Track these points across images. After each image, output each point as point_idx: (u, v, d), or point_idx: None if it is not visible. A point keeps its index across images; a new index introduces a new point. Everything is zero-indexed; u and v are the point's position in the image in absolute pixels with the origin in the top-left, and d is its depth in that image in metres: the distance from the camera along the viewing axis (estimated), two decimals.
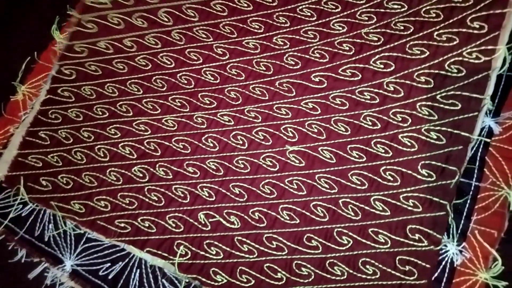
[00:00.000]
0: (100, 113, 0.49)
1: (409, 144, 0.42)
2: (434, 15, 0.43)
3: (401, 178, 0.41)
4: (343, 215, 0.42)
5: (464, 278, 0.39)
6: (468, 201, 0.41)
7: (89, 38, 0.53)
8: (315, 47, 0.47)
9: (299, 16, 0.48)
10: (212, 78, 0.48)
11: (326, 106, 0.45)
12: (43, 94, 0.52)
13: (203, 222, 0.44)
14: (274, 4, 0.50)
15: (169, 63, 0.50)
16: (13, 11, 0.61)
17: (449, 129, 0.41)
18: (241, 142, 0.46)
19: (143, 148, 0.47)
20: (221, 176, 0.45)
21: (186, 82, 0.49)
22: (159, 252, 0.43)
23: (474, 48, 0.41)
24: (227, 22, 0.50)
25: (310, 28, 0.47)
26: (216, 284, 0.42)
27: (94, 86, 0.51)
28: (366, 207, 0.42)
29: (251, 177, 0.45)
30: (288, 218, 0.43)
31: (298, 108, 0.46)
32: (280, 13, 0.49)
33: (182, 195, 0.45)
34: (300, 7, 0.48)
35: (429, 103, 0.42)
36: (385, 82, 0.44)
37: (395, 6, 0.45)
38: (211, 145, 0.46)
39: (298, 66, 0.47)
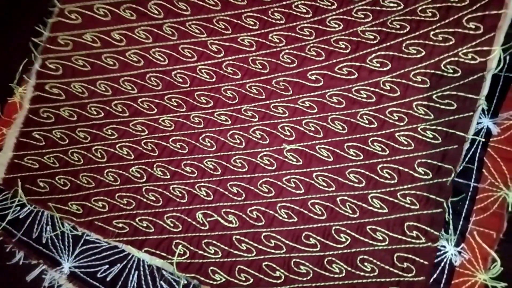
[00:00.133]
0: (95, 113, 0.49)
1: (405, 142, 0.42)
2: (430, 14, 0.44)
3: (398, 176, 0.42)
4: (341, 213, 0.42)
5: (463, 279, 0.39)
6: (467, 202, 0.41)
7: (73, 30, 0.51)
8: (311, 44, 0.47)
9: (294, 13, 0.48)
10: (208, 77, 0.48)
11: (323, 105, 0.45)
12: (30, 90, 0.51)
13: (201, 222, 0.44)
14: None
15: (162, 59, 0.49)
16: (13, 12, 0.60)
17: (444, 129, 0.41)
18: (238, 142, 0.46)
19: (140, 148, 0.47)
20: (219, 176, 0.45)
21: (181, 80, 0.48)
22: (158, 252, 0.43)
23: (470, 49, 0.42)
24: (221, 17, 0.49)
25: (305, 25, 0.47)
26: (215, 283, 0.42)
27: (84, 83, 0.50)
28: (364, 205, 0.42)
29: (248, 176, 0.45)
30: (286, 216, 0.43)
31: (295, 106, 0.46)
32: (275, 9, 0.48)
33: (180, 195, 0.45)
34: (296, 3, 0.48)
35: (425, 102, 0.42)
36: (381, 81, 0.44)
37: (391, 4, 0.45)
38: (209, 144, 0.46)
39: (295, 64, 0.47)
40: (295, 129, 0.45)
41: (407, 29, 0.44)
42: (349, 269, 0.40)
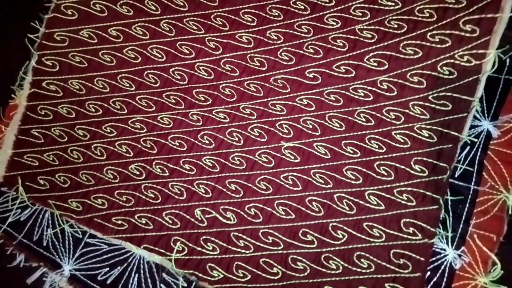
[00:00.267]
0: (93, 110, 0.49)
1: (402, 140, 0.43)
2: (427, 14, 0.44)
3: (395, 173, 0.42)
4: (338, 210, 0.42)
5: (463, 282, 0.40)
6: (467, 205, 0.41)
7: (69, 26, 0.51)
8: (309, 42, 0.47)
9: (292, 9, 0.48)
10: (206, 74, 0.48)
11: (320, 103, 0.45)
12: (27, 87, 0.51)
13: (199, 218, 0.44)
14: None
15: (160, 56, 0.49)
16: (14, 12, 0.60)
17: (439, 128, 0.42)
18: (236, 139, 0.46)
19: (139, 146, 0.48)
20: (217, 173, 0.45)
21: (179, 78, 0.48)
22: (156, 249, 0.44)
23: (465, 51, 0.42)
24: (218, 13, 0.49)
25: (303, 22, 0.47)
26: (213, 279, 0.42)
27: (82, 80, 0.50)
28: (361, 202, 0.42)
29: (247, 173, 0.45)
30: (283, 213, 0.43)
31: (293, 104, 0.46)
32: (273, 5, 0.48)
33: (178, 192, 0.46)
34: (293, 0, 0.48)
35: (421, 102, 0.43)
36: (378, 80, 0.44)
37: (389, 3, 0.45)
38: (207, 142, 0.47)
39: (293, 62, 0.47)
40: (293, 126, 0.45)
41: (405, 29, 0.44)
42: (346, 265, 0.41)
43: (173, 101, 0.48)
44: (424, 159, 0.41)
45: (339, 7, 0.47)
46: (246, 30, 0.48)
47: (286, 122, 0.46)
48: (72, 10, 0.51)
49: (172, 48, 0.49)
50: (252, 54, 0.48)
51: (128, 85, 0.49)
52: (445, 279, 0.40)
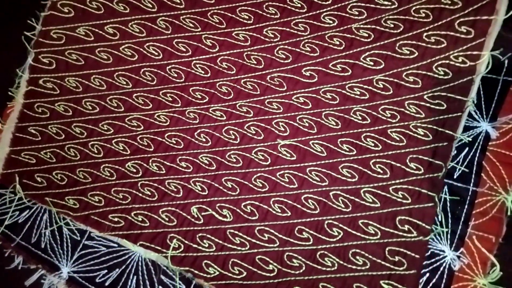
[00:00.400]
0: (90, 108, 0.49)
1: (397, 138, 0.43)
2: (423, 15, 0.44)
3: (391, 171, 0.42)
4: (334, 207, 0.42)
5: (463, 283, 0.40)
6: (466, 207, 0.41)
7: (66, 23, 0.51)
8: (306, 40, 0.47)
9: (289, 7, 0.48)
10: (203, 72, 0.48)
11: (317, 101, 0.46)
12: (23, 85, 0.51)
13: (195, 216, 0.44)
14: None
15: (156, 54, 0.49)
16: (13, 12, 0.60)
17: (434, 127, 0.42)
18: (233, 137, 0.46)
19: (136, 144, 0.48)
20: (214, 171, 0.46)
21: (176, 75, 0.49)
22: (152, 246, 0.44)
23: (460, 52, 0.43)
24: (215, 10, 0.49)
25: (300, 20, 0.47)
26: (209, 276, 0.42)
27: (78, 77, 0.50)
28: (356, 199, 0.42)
29: (243, 171, 0.45)
30: (279, 210, 0.43)
31: (290, 102, 0.46)
32: (270, 3, 0.48)
33: (175, 190, 0.46)
34: None
35: (417, 101, 0.43)
36: (374, 79, 0.45)
37: (386, 3, 0.46)
38: (204, 140, 0.47)
39: (289, 60, 0.47)
40: (289, 124, 0.46)
41: (401, 29, 0.45)
42: (341, 262, 0.41)
43: (170, 99, 0.48)
44: (420, 157, 0.42)
45: (336, 6, 0.47)
46: (243, 28, 0.48)
47: (282, 120, 0.46)
48: (69, 8, 0.51)
49: (169, 45, 0.49)
50: (249, 52, 0.48)
51: (124, 82, 0.49)
52: (444, 281, 0.40)
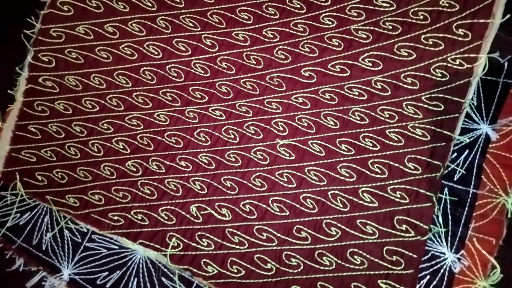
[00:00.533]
0: (90, 107, 0.49)
1: (396, 139, 0.43)
2: (422, 17, 0.45)
3: (389, 171, 0.42)
4: (332, 207, 0.43)
5: (463, 286, 0.40)
6: (466, 209, 0.41)
7: (65, 22, 0.51)
8: (305, 41, 0.47)
9: (288, 8, 0.48)
10: (202, 71, 0.49)
11: (315, 101, 0.46)
12: (23, 83, 0.51)
13: (195, 215, 0.45)
14: None
15: (156, 53, 0.49)
16: (14, 13, 0.60)
17: (432, 127, 0.42)
18: (232, 136, 0.47)
19: (136, 143, 0.48)
20: (213, 170, 0.46)
21: (176, 75, 0.49)
22: (152, 244, 0.44)
23: (458, 55, 0.43)
24: (215, 10, 0.49)
25: (299, 21, 0.48)
26: (207, 274, 0.43)
27: (78, 76, 0.50)
28: (355, 199, 0.42)
29: (242, 170, 0.45)
30: (278, 210, 0.44)
31: (289, 102, 0.46)
32: (270, 3, 0.49)
33: (174, 189, 0.46)
34: None
35: (414, 102, 0.44)
36: (373, 80, 0.45)
37: (384, 4, 0.46)
38: (203, 139, 0.47)
39: (288, 60, 0.47)
40: (288, 124, 0.46)
41: (399, 30, 0.45)
42: (339, 262, 0.41)
43: (170, 98, 0.48)
44: (418, 157, 0.42)
45: (335, 7, 0.47)
46: (243, 28, 0.49)
47: (281, 120, 0.46)
48: (68, 6, 0.51)
49: (169, 45, 0.49)
50: (248, 52, 0.48)
51: (124, 81, 0.49)
52: (444, 283, 0.40)
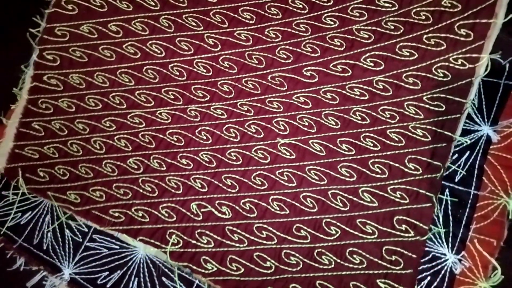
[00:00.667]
0: (93, 105, 0.50)
1: (396, 139, 0.43)
2: (424, 17, 0.45)
3: (389, 171, 0.42)
4: (332, 206, 0.43)
5: (464, 287, 0.40)
6: (467, 210, 0.41)
7: (70, 21, 0.52)
8: (307, 41, 0.48)
9: (291, 8, 0.48)
10: (205, 71, 0.49)
11: (317, 101, 0.46)
12: (28, 81, 0.51)
13: (195, 212, 0.45)
14: None
15: (159, 52, 0.50)
16: (14, 13, 0.61)
17: (433, 128, 0.42)
18: (233, 135, 0.47)
19: (138, 140, 0.48)
20: (214, 168, 0.46)
21: (178, 74, 0.49)
22: (152, 241, 0.44)
23: (460, 55, 0.43)
24: (217, 10, 0.50)
25: (302, 21, 0.48)
26: (207, 272, 0.43)
27: (82, 74, 0.50)
28: (355, 199, 0.42)
29: (243, 169, 0.45)
30: (278, 208, 0.44)
31: (290, 102, 0.47)
32: (272, 3, 0.49)
33: (175, 186, 0.46)
34: None
35: (416, 103, 0.44)
36: (374, 80, 0.45)
37: (386, 4, 0.46)
38: (204, 137, 0.47)
39: (290, 60, 0.47)
40: (289, 123, 0.46)
41: (401, 30, 0.45)
42: (338, 261, 0.41)
43: (172, 96, 0.49)
44: (418, 157, 0.42)
45: (337, 7, 0.48)
46: (245, 28, 0.49)
47: (282, 119, 0.46)
48: (73, 5, 0.52)
49: (171, 44, 0.50)
50: (251, 52, 0.48)
51: (127, 80, 0.50)
52: (445, 284, 0.40)
